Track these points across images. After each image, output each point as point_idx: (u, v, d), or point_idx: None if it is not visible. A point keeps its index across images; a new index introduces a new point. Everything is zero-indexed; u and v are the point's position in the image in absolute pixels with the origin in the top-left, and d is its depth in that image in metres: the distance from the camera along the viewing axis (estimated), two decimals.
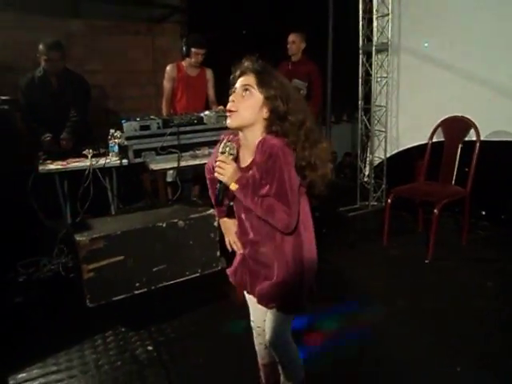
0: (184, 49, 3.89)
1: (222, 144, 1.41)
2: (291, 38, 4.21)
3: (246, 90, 1.36)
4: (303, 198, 1.46)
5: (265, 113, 1.37)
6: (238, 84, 1.39)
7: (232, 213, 1.65)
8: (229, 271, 1.68)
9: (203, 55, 3.82)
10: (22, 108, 3.27)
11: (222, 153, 1.40)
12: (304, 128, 1.38)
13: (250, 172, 1.40)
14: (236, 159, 1.44)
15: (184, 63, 3.94)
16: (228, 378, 2.07)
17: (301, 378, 1.68)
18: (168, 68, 3.95)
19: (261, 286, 1.52)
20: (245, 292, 1.68)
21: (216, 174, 1.39)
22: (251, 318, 1.75)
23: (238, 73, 1.41)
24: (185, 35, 4.71)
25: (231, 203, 1.57)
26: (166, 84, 3.95)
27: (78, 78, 3.58)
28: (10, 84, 3.55)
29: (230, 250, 1.67)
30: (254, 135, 1.40)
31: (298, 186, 1.39)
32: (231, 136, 1.48)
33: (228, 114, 1.39)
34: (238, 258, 1.65)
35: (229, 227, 1.67)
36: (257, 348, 1.78)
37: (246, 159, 1.44)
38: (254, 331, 1.76)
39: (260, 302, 1.54)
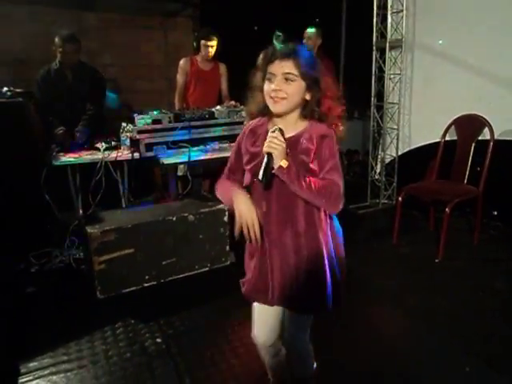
0: (194, 43, 3.91)
1: (272, 128, 1.38)
2: (307, 33, 4.19)
3: (287, 78, 1.35)
4: None
5: (307, 95, 1.40)
6: (277, 70, 1.35)
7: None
8: (243, 285, 1.57)
9: (213, 47, 3.83)
10: (38, 100, 3.30)
11: (273, 132, 1.36)
12: (337, 112, 1.43)
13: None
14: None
15: (198, 58, 3.95)
16: (236, 371, 2.08)
17: (312, 371, 1.68)
18: (181, 62, 3.97)
19: (286, 296, 1.45)
20: (254, 304, 1.58)
21: (266, 148, 1.33)
22: (255, 333, 1.61)
23: (275, 57, 1.36)
24: (197, 30, 4.72)
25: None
26: (179, 78, 3.97)
27: (94, 71, 3.60)
28: (25, 77, 3.59)
29: (239, 236, 1.45)
30: (293, 116, 1.43)
31: None
32: (262, 120, 1.48)
33: (274, 100, 1.36)
34: (251, 268, 1.53)
35: (247, 202, 1.41)
36: (262, 358, 1.72)
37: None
38: (258, 346, 1.66)
39: (286, 306, 1.50)
